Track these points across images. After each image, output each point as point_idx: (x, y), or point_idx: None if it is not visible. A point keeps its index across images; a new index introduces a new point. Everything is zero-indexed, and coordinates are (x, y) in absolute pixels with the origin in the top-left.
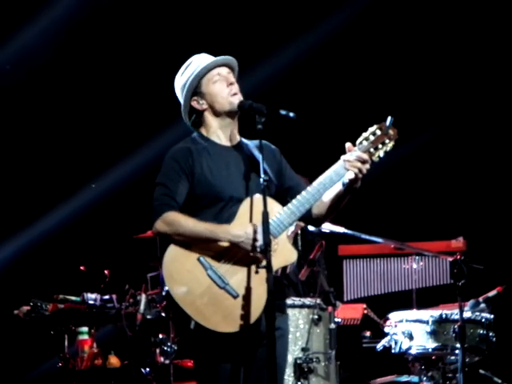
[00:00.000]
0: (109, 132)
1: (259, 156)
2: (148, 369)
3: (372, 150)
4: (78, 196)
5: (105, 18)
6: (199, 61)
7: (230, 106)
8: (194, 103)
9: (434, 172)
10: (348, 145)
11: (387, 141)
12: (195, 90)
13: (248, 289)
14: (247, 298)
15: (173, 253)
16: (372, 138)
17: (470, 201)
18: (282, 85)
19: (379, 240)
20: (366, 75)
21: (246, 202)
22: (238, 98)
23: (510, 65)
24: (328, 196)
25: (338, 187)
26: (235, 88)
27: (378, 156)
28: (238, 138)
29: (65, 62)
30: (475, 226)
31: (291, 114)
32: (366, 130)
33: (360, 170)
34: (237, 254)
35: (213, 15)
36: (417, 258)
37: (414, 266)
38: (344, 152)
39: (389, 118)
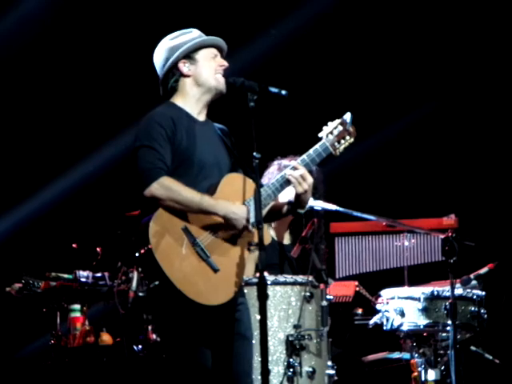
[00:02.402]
0: (100, 110)
1: (224, 138)
2: (140, 346)
3: (336, 143)
4: (70, 173)
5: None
6: (202, 34)
7: (214, 82)
8: (180, 65)
9: (425, 149)
10: (294, 163)
11: (348, 137)
12: (189, 54)
13: (228, 265)
14: (227, 273)
15: (161, 219)
16: (335, 132)
17: (461, 178)
18: (272, 63)
19: (371, 217)
20: (357, 54)
21: (226, 179)
22: (224, 82)
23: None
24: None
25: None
26: (223, 73)
27: (339, 151)
28: (205, 116)
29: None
30: (467, 204)
31: (283, 92)
32: (327, 124)
33: (302, 186)
34: (221, 229)
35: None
36: (408, 235)
37: (406, 243)
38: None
39: (348, 115)
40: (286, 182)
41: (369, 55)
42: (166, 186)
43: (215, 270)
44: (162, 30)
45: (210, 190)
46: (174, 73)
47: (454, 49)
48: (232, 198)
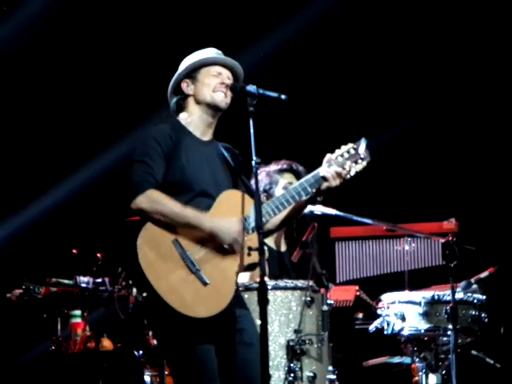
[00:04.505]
0: (100, 115)
1: (228, 157)
2: (141, 351)
3: (346, 166)
4: (70, 178)
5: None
6: (211, 52)
7: (209, 99)
8: (183, 84)
9: (426, 153)
10: (329, 156)
11: (360, 161)
12: (191, 73)
13: (220, 278)
14: (217, 286)
15: (150, 231)
16: (346, 155)
17: (461, 182)
18: (272, 68)
19: (371, 222)
20: (353, 60)
21: (223, 195)
22: (223, 99)
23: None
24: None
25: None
26: (225, 90)
27: (350, 174)
28: (211, 135)
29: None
30: (467, 208)
31: (283, 97)
32: (339, 147)
33: (334, 181)
34: (212, 243)
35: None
36: (409, 239)
37: (406, 247)
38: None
39: (363, 140)
40: (321, 179)
41: (366, 61)
42: (152, 199)
43: (204, 284)
44: (160, 36)
45: (207, 207)
46: (177, 91)
47: (450, 55)
48: (228, 213)
